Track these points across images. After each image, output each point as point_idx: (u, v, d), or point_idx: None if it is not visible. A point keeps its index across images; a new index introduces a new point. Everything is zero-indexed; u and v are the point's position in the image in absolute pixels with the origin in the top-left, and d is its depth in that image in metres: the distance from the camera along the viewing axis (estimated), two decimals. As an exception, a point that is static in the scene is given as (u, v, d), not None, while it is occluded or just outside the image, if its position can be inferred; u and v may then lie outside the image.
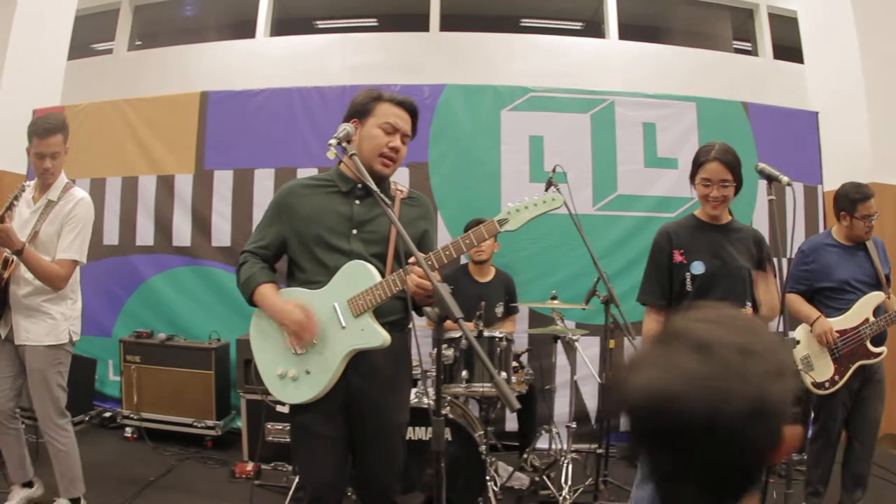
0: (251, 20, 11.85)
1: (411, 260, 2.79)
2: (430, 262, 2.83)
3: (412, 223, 3.18)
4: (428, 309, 2.65)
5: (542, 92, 6.85)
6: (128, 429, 6.65)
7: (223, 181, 7.14)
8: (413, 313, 3.06)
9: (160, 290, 7.27)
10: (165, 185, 7.29)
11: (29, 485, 4.73)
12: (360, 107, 3.24)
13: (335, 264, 3.08)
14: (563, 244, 6.31)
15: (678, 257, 3.85)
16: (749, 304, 3.75)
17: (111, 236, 7.48)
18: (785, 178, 3.59)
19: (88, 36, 12.08)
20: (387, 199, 2.82)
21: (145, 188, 7.35)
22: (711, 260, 3.76)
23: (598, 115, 6.81)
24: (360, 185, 3.18)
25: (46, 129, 4.26)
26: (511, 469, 5.51)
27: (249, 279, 3.19)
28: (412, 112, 3.28)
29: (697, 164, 3.86)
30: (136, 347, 6.69)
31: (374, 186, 2.80)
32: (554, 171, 4.67)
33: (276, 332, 3.15)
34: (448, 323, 2.46)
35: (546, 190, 4.35)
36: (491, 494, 4.78)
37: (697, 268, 3.77)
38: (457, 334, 4.79)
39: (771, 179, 3.64)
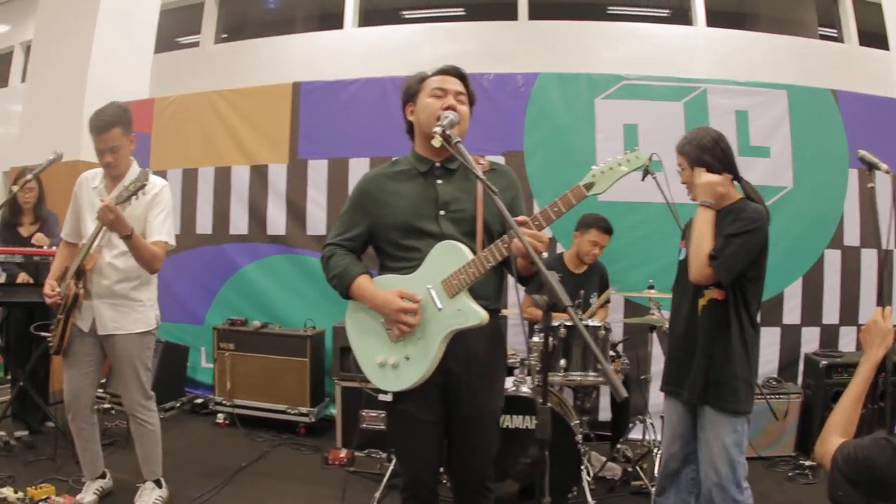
0: (334, 12, 11.96)
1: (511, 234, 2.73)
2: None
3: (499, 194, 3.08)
4: (537, 296, 2.61)
5: (635, 80, 6.75)
6: (220, 415, 6.76)
7: (317, 170, 7.20)
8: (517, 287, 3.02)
9: (254, 278, 7.37)
10: (259, 175, 7.38)
11: (102, 476, 4.77)
12: (409, 90, 3.24)
13: (426, 248, 3.04)
14: (659, 232, 6.19)
15: (682, 246, 3.82)
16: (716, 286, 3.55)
17: (204, 225, 7.62)
18: (884, 166, 3.53)
19: (174, 30, 12.30)
20: (479, 172, 2.76)
21: (239, 178, 7.46)
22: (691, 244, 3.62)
23: (691, 102, 6.69)
24: (438, 164, 3.17)
25: (99, 126, 4.25)
26: (604, 459, 5.48)
27: (343, 273, 3.15)
28: (457, 75, 3.20)
29: None
30: (230, 335, 6.79)
31: (477, 172, 2.77)
32: (650, 159, 4.61)
33: (374, 321, 3.12)
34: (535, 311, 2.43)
35: (642, 179, 4.31)
36: (584, 484, 4.72)
37: (682, 253, 3.74)
38: (553, 323, 4.74)
39: (871, 167, 3.57)
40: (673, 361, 3.81)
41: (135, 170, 4.44)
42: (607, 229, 5.58)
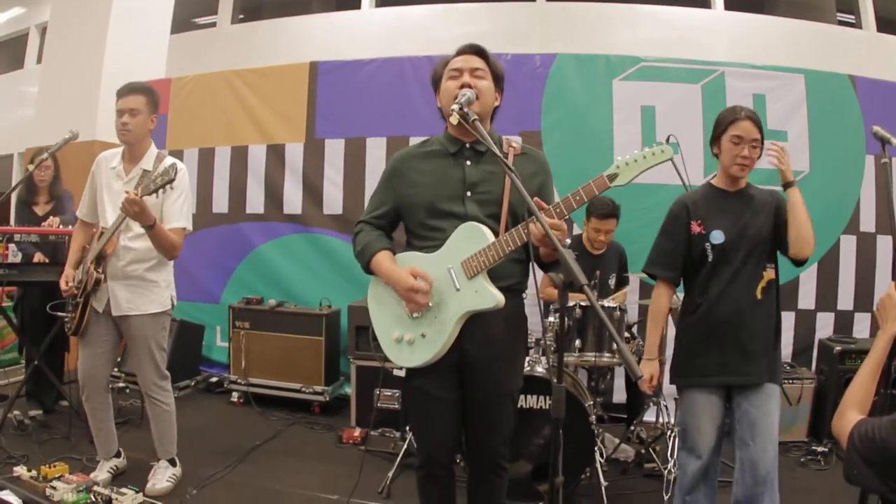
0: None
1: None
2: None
3: (528, 179, 3.06)
4: (553, 274, 2.60)
5: (653, 62, 6.71)
6: (234, 393, 6.80)
7: (334, 150, 7.18)
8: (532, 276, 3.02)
9: (271, 257, 7.38)
10: (276, 154, 7.38)
11: (117, 455, 4.77)
12: (435, 76, 3.25)
13: (451, 228, 3.04)
14: (675, 215, 6.19)
15: (696, 228, 3.74)
16: (771, 266, 3.68)
17: (220, 204, 7.63)
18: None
19: (190, 10, 12.29)
20: (501, 156, 2.77)
21: (255, 157, 7.46)
22: (731, 227, 3.66)
23: (709, 85, 6.65)
24: (468, 146, 3.16)
25: (125, 90, 4.32)
26: (617, 441, 5.49)
27: (366, 247, 3.19)
28: (474, 52, 3.18)
29: (727, 123, 3.68)
30: (246, 314, 6.82)
31: (494, 149, 2.76)
32: (668, 141, 4.60)
33: (392, 297, 3.14)
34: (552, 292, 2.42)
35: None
36: (598, 465, 4.70)
37: (717, 237, 3.68)
38: (569, 303, 4.74)
39: (885, 142, 3.63)
40: (716, 350, 3.70)
41: (152, 152, 4.48)
42: (607, 214, 5.49)
